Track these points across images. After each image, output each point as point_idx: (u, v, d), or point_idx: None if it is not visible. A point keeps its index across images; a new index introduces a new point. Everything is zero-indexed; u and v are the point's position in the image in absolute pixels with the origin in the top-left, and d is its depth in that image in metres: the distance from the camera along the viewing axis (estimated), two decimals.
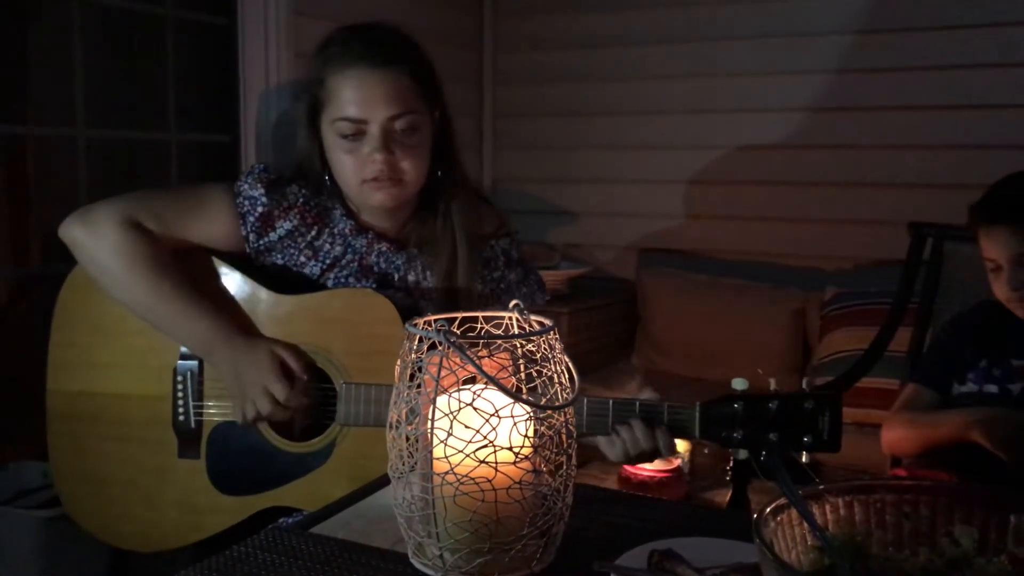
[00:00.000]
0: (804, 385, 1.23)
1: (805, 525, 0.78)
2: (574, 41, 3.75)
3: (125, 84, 2.68)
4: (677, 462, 2.41)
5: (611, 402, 1.27)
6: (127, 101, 2.68)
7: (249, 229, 1.51)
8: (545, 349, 0.95)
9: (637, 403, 1.27)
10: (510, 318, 1.03)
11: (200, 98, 2.84)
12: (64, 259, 1.56)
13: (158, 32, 2.70)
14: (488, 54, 3.89)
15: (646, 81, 3.62)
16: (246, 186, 1.51)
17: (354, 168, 1.46)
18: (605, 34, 3.67)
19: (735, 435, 1.22)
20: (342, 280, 1.53)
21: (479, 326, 1.02)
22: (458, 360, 0.91)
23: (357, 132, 1.44)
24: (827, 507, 0.83)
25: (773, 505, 0.79)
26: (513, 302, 1.03)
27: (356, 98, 1.43)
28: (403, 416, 0.95)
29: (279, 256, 1.53)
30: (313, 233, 1.53)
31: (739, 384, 1.23)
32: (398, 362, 0.97)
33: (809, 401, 1.21)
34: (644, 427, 1.25)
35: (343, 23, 1.52)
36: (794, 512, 0.79)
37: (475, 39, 3.87)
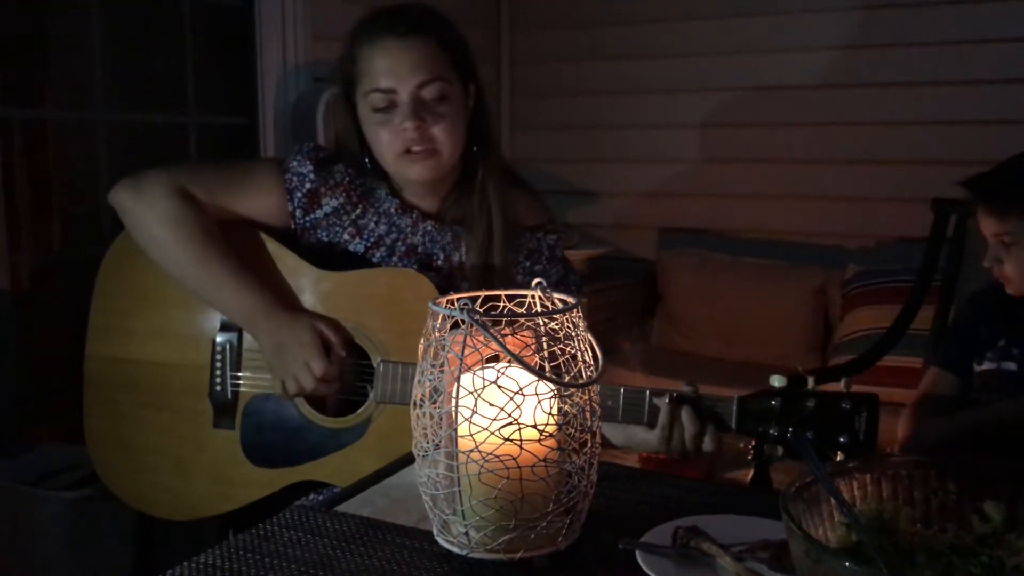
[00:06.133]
0: (842, 385, 1.22)
1: (832, 502, 0.78)
2: (591, 20, 3.72)
3: (144, 67, 2.68)
4: None
5: (647, 392, 1.26)
6: (146, 84, 2.69)
7: (296, 205, 1.52)
8: (568, 327, 0.95)
9: (675, 394, 1.26)
10: (533, 296, 1.03)
11: (218, 81, 2.85)
12: (85, 243, 1.56)
13: (176, 15, 2.70)
14: (505, 33, 3.88)
15: (664, 59, 3.60)
16: (295, 163, 1.52)
17: (389, 141, 1.46)
18: (622, 12, 3.65)
19: (771, 431, 1.22)
20: (386, 259, 1.53)
21: (502, 304, 1.02)
22: (482, 338, 0.91)
23: (389, 104, 1.44)
24: (854, 484, 0.82)
25: (800, 482, 0.78)
26: (536, 280, 1.03)
27: (384, 68, 1.44)
28: (427, 394, 0.95)
29: (324, 233, 1.54)
30: (358, 211, 1.53)
31: (777, 381, 1.22)
32: (421, 340, 0.97)
33: (847, 401, 1.20)
34: (695, 420, 1.25)
35: (359, 5, 1.53)
36: (821, 489, 0.78)
37: (491, 18, 3.85)
